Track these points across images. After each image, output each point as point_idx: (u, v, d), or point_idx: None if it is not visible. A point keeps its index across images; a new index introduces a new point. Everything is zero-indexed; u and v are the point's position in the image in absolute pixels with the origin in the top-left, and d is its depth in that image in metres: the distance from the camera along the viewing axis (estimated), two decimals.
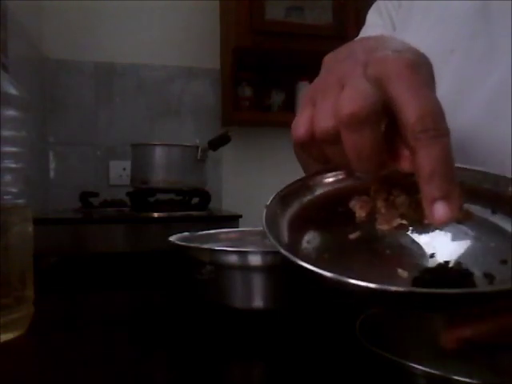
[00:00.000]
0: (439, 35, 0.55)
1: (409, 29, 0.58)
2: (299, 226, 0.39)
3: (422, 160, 0.28)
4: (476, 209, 0.37)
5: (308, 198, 0.40)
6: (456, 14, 0.53)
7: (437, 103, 0.29)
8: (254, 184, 2.05)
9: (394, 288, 0.26)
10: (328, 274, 0.28)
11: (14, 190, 0.42)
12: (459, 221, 0.37)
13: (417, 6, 0.59)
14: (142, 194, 1.59)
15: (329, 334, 0.42)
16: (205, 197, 1.60)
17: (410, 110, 0.29)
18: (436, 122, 0.29)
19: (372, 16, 0.66)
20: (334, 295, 0.28)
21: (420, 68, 0.30)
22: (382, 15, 0.64)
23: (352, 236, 0.38)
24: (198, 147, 1.58)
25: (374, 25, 0.64)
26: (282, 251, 0.31)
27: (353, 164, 0.32)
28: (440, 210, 0.28)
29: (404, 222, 0.37)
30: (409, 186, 0.39)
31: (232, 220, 1.50)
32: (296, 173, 0.45)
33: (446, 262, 0.35)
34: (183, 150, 1.58)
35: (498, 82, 0.49)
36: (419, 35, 0.56)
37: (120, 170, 1.95)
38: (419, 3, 0.59)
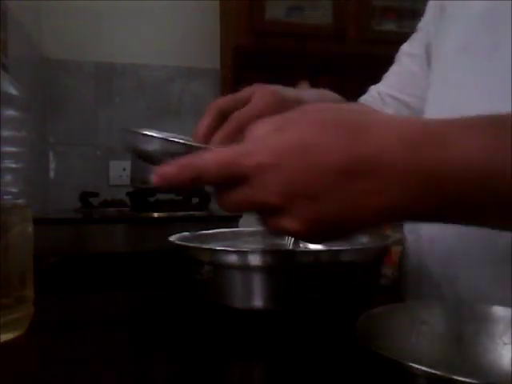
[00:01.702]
0: (454, 34, 0.57)
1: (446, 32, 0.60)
2: None
3: None
4: None
5: None
6: (471, 14, 0.55)
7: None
8: None
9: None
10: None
11: (14, 190, 0.42)
12: None
13: (451, 6, 0.60)
14: (141, 194, 1.58)
15: (329, 333, 0.42)
16: (205, 197, 1.60)
17: None
18: None
19: (406, 45, 0.70)
20: None
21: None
22: (413, 46, 0.68)
23: None
24: None
25: (403, 53, 0.69)
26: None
27: None
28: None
29: None
30: None
31: (232, 220, 1.50)
32: None
33: None
34: None
35: (500, 80, 0.49)
36: (446, 36, 0.58)
37: (120, 170, 1.95)
38: (454, 3, 0.60)
